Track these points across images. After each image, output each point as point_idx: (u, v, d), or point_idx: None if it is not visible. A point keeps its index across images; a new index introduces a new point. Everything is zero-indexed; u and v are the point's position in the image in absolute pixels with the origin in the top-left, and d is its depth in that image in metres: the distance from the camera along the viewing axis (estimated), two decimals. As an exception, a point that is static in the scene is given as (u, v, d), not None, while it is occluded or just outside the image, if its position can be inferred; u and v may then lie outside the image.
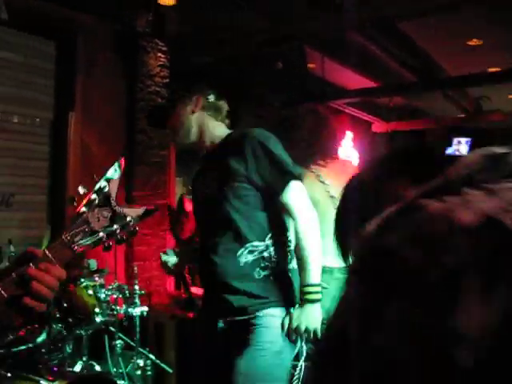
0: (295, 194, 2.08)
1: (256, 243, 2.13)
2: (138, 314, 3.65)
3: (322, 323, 2.47)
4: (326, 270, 3.01)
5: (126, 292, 3.61)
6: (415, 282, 0.43)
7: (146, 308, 3.69)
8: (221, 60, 5.66)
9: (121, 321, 3.63)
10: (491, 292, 0.40)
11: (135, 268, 3.90)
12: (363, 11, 4.73)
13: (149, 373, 3.76)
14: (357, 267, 0.53)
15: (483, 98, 7.82)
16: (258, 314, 2.09)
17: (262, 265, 2.13)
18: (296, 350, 2.20)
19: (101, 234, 1.27)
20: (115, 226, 1.29)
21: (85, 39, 4.55)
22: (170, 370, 3.90)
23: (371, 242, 0.51)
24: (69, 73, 4.53)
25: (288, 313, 2.13)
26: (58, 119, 4.52)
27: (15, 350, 2.92)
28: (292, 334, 2.08)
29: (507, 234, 0.43)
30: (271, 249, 2.14)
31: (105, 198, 1.30)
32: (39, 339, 3.00)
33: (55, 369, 3.05)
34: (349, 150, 6.37)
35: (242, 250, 2.13)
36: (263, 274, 2.12)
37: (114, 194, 1.30)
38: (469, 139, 6.76)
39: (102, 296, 3.34)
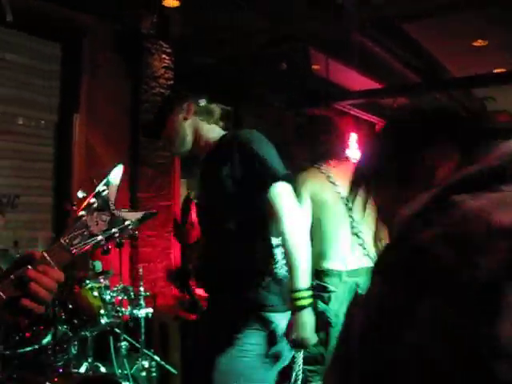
0: (280, 195, 2.02)
1: (251, 247, 2.12)
2: (143, 315, 3.65)
3: (326, 326, 2.44)
4: (334, 274, 3.00)
5: (131, 293, 3.62)
6: (447, 281, 0.42)
7: (150, 309, 3.69)
8: (223, 61, 5.66)
9: (126, 322, 3.63)
10: None
11: (140, 270, 3.90)
12: (364, 11, 4.73)
13: (154, 374, 3.76)
14: (388, 263, 0.52)
15: (488, 98, 7.80)
16: (250, 316, 2.09)
17: (257, 269, 2.11)
18: (288, 356, 2.18)
19: (99, 237, 1.28)
20: (114, 230, 1.30)
21: (90, 41, 4.56)
22: (175, 372, 3.90)
23: (404, 238, 0.50)
24: (74, 74, 4.55)
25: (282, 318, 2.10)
26: (63, 121, 4.53)
27: (21, 351, 2.92)
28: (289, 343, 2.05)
29: None
30: (266, 253, 2.12)
31: (104, 202, 1.30)
32: (45, 340, 3.00)
33: (60, 370, 3.05)
34: (353, 152, 6.37)
35: (237, 254, 2.12)
36: (259, 278, 2.10)
37: (113, 198, 1.31)
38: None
39: (107, 297, 3.35)
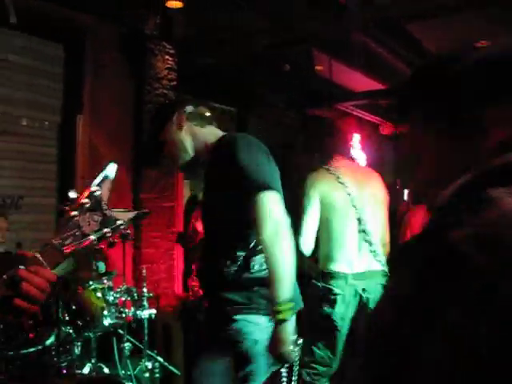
0: (264, 205, 1.96)
1: (243, 252, 2.10)
2: (146, 316, 3.65)
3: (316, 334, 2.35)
4: (340, 276, 2.99)
5: (135, 294, 3.62)
6: (482, 290, 0.41)
7: (154, 310, 3.70)
8: (226, 62, 5.66)
9: (129, 323, 3.64)
10: None
11: (143, 270, 3.90)
12: (367, 11, 4.72)
13: (157, 375, 3.76)
14: (417, 259, 0.49)
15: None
16: (236, 317, 2.07)
17: (247, 272, 2.09)
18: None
19: (91, 237, 1.29)
20: (106, 230, 1.31)
21: (93, 42, 4.57)
22: (178, 373, 3.90)
23: (434, 234, 0.48)
24: (77, 76, 4.55)
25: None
26: (67, 122, 4.54)
27: (24, 352, 2.93)
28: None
29: None
30: (257, 257, 2.09)
31: (96, 202, 1.31)
32: (48, 341, 3.00)
33: (64, 371, 3.05)
34: (356, 152, 6.36)
35: (230, 258, 2.11)
36: (249, 281, 2.08)
37: (105, 198, 1.32)
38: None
39: (111, 298, 3.35)
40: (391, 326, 0.48)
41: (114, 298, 3.40)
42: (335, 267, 3.00)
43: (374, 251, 3.00)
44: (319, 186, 3.02)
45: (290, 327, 1.91)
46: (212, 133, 2.30)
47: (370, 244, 3.01)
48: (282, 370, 2.12)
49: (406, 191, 6.85)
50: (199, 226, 4.52)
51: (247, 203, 1.99)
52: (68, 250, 1.25)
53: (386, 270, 2.88)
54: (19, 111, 4.25)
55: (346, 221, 3.01)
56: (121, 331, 3.59)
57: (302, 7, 4.61)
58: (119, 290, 3.50)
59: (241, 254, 2.08)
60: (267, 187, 1.98)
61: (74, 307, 3.13)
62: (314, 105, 7.32)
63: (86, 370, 3.27)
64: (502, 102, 0.67)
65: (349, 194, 3.00)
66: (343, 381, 2.99)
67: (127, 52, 4.84)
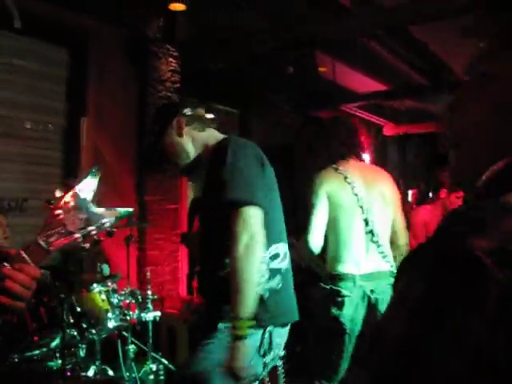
0: (241, 220, 1.91)
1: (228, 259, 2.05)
2: (151, 318, 3.66)
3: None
4: (348, 278, 2.98)
5: (139, 297, 3.62)
6: (500, 298, 0.40)
7: (158, 313, 3.70)
8: (229, 64, 5.66)
9: (133, 326, 3.64)
10: None
11: (148, 273, 3.91)
12: (370, 13, 4.72)
13: (161, 377, 3.76)
14: (432, 263, 0.48)
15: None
16: (220, 325, 2.03)
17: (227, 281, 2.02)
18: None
19: (76, 235, 1.31)
20: (90, 228, 1.33)
21: (96, 45, 4.58)
22: (183, 375, 3.90)
23: (453, 238, 0.47)
24: (81, 79, 4.57)
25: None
26: (71, 125, 4.55)
27: (29, 354, 2.94)
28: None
29: None
30: None
31: (81, 201, 1.33)
32: (53, 344, 3.01)
33: (69, 373, 3.06)
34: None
35: (215, 265, 2.08)
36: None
37: (90, 197, 1.34)
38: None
39: (115, 301, 3.35)
40: (402, 327, 0.48)
41: (119, 300, 3.40)
42: (343, 268, 2.99)
43: (382, 252, 2.99)
44: (327, 185, 3.01)
45: (246, 344, 1.87)
46: (212, 135, 2.28)
47: (378, 245, 2.99)
48: None
49: (409, 192, 6.84)
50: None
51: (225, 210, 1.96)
52: (52, 248, 1.27)
53: (395, 270, 2.86)
54: (23, 114, 4.27)
55: (353, 221, 3.00)
56: (125, 333, 3.60)
57: (302, 7, 4.60)
58: (123, 292, 3.50)
59: (228, 261, 2.02)
60: (246, 202, 1.93)
61: (78, 310, 3.14)
62: (317, 106, 7.33)
63: (91, 372, 3.27)
64: None
65: (356, 195, 2.99)
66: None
67: (130, 55, 4.86)
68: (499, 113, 0.66)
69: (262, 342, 2.00)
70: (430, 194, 5.22)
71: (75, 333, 3.09)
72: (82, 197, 1.33)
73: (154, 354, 3.77)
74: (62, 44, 4.47)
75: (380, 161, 7.81)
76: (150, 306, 3.69)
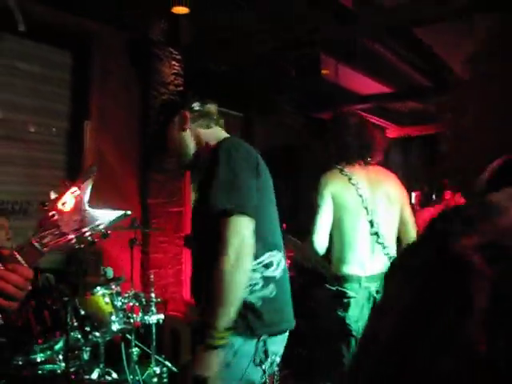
0: (229, 230, 1.85)
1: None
2: (154, 321, 3.66)
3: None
4: (353, 279, 2.97)
5: (143, 300, 3.62)
6: (494, 300, 0.40)
7: (162, 316, 3.70)
8: (232, 66, 5.67)
9: (137, 328, 3.64)
10: None
11: (151, 276, 3.91)
12: (366, 12, 4.72)
13: (165, 380, 3.76)
14: (418, 265, 0.48)
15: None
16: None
17: None
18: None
19: (70, 236, 1.32)
20: (85, 229, 1.34)
21: (99, 48, 4.60)
22: (187, 378, 3.90)
23: (440, 240, 0.47)
24: (84, 82, 4.58)
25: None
26: (74, 128, 4.56)
27: (33, 357, 2.94)
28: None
29: None
30: None
31: (76, 203, 1.34)
32: (57, 347, 3.01)
33: (73, 376, 3.06)
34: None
35: (208, 270, 1.98)
36: None
37: (85, 199, 1.35)
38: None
39: (119, 304, 3.36)
40: (389, 334, 0.47)
41: (122, 303, 3.40)
42: (348, 269, 2.98)
43: (388, 253, 2.99)
44: (331, 186, 3.01)
45: (216, 355, 1.83)
46: (215, 134, 2.21)
47: (384, 247, 2.99)
48: None
49: (413, 194, 6.83)
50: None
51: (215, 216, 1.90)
52: (46, 249, 1.28)
53: None
54: (27, 117, 4.28)
55: (358, 222, 2.99)
56: (129, 336, 3.60)
57: (302, 7, 4.60)
58: (127, 295, 3.50)
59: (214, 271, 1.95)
60: (235, 211, 1.86)
61: (82, 313, 3.14)
62: (320, 108, 7.33)
63: (95, 375, 3.27)
64: None
65: (360, 196, 2.98)
66: None
67: (133, 58, 4.87)
68: (499, 113, 0.66)
69: (256, 351, 1.95)
70: (434, 196, 5.22)
71: (79, 336, 3.09)
72: (76, 198, 1.34)
73: (157, 357, 3.77)
74: (65, 47, 4.49)
75: (383, 163, 7.80)
76: (153, 308, 3.69)
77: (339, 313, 2.94)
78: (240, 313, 1.90)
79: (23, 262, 1.25)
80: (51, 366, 3.02)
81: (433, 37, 5.45)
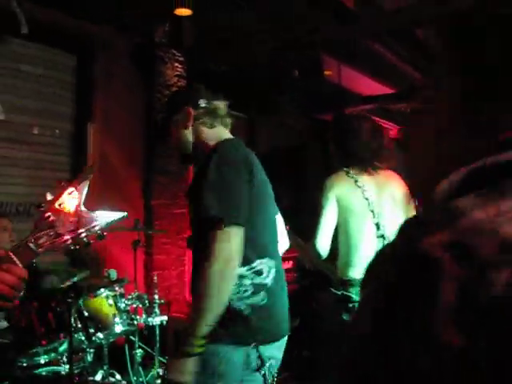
0: (218, 239, 1.81)
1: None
2: (158, 323, 3.66)
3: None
4: (358, 283, 2.97)
5: (146, 301, 3.63)
6: (457, 297, 0.41)
7: (165, 317, 3.70)
8: (232, 65, 5.67)
9: (141, 330, 3.64)
10: None
11: (155, 277, 3.91)
12: (366, 12, 4.72)
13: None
14: (383, 270, 0.50)
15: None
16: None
17: None
18: None
19: (65, 237, 1.33)
20: (80, 231, 1.35)
21: (103, 51, 4.61)
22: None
23: (410, 241, 0.48)
24: (87, 84, 4.59)
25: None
26: (78, 130, 4.58)
27: (37, 359, 2.95)
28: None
29: None
30: None
31: (72, 204, 1.35)
32: (61, 348, 3.02)
33: (76, 378, 3.06)
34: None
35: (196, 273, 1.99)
36: None
37: (81, 200, 1.35)
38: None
39: (122, 306, 3.36)
40: (365, 340, 0.48)
41: (126, 305, 3.41)
42: (354, 273, 2.97)
43: None
44: (337, 189, 2.99)
45: (192, 362, 1.83)
46: (216, 134, 2.13)
47: None
48: None
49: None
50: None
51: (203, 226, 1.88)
52: (41, 249, 1.29)
53: None
54: (31, 120, 4.29)
55: (364, 225, 2.98)
56: (132, 338, 3.60)
57: (302, 7, 4.60)
58: (131, 296, 3.51)
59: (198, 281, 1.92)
60: (224, 220, 1.81)
61: (86, 314, 3.14)
62: (322, 109, 7.33)
63: (99, 376, 3.28)
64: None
65: (366, 199, 2.97)
66: None
67: (137, 60, 4.88)
68: (441, 139, 0.67)
69: (248, 358, 1.92)
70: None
71: (83, 337, 3.10)
72: (72, 200, 1.35)
73: (161, 359, 3.77)
74: (69, 50, 4.50)
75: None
76: (157, 310, 3.69)
77: (344, 317, 2.93)
78: (228, 320, 1.87)
79: (18, 262, 1.26)
80: (55, 367, 3.03)
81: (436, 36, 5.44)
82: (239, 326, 1.91)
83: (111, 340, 3.34)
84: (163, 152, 4.84)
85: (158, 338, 3.69)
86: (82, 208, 1.36)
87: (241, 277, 1.91)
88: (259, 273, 1.96)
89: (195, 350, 1.82)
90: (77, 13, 4.22)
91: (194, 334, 1.81)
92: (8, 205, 4.07)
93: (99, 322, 3.19)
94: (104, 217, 1.38)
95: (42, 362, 2.97)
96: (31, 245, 1.29)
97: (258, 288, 1.95)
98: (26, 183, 4.22)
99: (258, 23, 4.81)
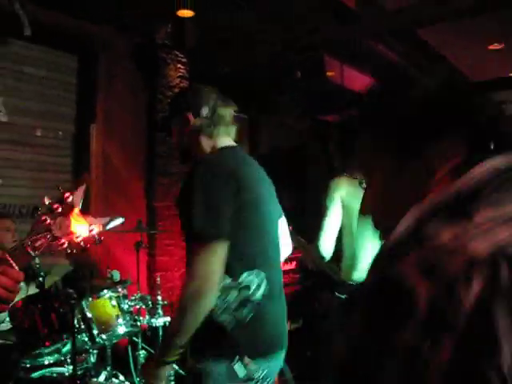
0: (199, 255, 1.78)
1: None
2: (161, 324, 3.66)
3: None
4: None
5: (149, 302, 3.63)
6: (428, 317, 0.42)
7: (168, 318, 3.70)
8: (237, 68, 5.68)
9: (144, 331, 3.65)
10: None
11: (158, 278, 3.92)
12: (367, 12, 4.71)
13: (172, 383, 3.76)
14: (363, 295, 0.52)
15: (507, 102, 7.72)
16: (188, 363, 1.95)
17: None
18: None
19: (62, 240, 1.35)
20: (77, 234, 1.37)
21: (106, 52, 4.62)
22: (193, 380, 3.90)
23: (382, 270, 0.50)
24: (90, 85, 4.60)
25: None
26: (80, 132, 4.59)
27: (40, 360, 2.95)
28: None
29: None
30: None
31: (69, 208, 1.37)
32: (64, 349, 3.02)
33: (80, 379, 3.07)
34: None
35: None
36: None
37: (78, 205, 1.37)
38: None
39: (125, 307, 3.36)
40: (345, 363, 0.51)
41: (129, 306, 3.41)
42: (358, 277, 2.97)
43: None
44: (341, 191, 2.99)
45: (166, 369, 1.87)
46: (213, 143, 2.04)
47: None
48: None
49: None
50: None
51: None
52: (38, 252, 1.30)
53: None
54: (33, 121, 4.30)
55: (367, 228, 2.97)
56: (136, 339, 3.60)
57: (302, 7, 4.60)
58: (134, 298, 3.51)
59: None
60: (205, 236, 1.78)
61: (89, 316, 3.15)
62: (325, 110, 7.32)
63: (102, 377, 3.28)
64: (446, 136, 0.68)
65: None
66: None
67: (139, 61, 4.88)
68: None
69: (232, 371, 1.85)
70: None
71: (86, 338, 3.10)
72: (69, 204, 1.37)
73: (164, 360, 3.77)
74: (72, 51, 4.51)
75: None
76: (160, 311, 3.70)
77: None
78: (211, 333, 1.85)
79: (14, 264, 1.27)
80: (58, 368, 3.04)
81: (439, 38, 5.44)
82: (222, 339, 1.87)
83: (114, 341, 3.34)
84: (165, 153, 4.85)
85: (161, 338, 3.69)
86: (78, 213, 1.38)
87: (226, 289, 1.86)
88: (246, 287, 1.89)
89: (168, 359, 1.84)
90: (77, 13, 4.22)
91: (169, 346, 1.84)
92: (11, 207, 4.09)
93: (102, 323, 3.19)
94: (100, 222, 1.40)
95: (46, 363, 2.98)
96: (28, 247, 1.30)
97: (243, 302, 1.88)
98: (29, 185, 4.23)
99: (259, 23, 4.81)
